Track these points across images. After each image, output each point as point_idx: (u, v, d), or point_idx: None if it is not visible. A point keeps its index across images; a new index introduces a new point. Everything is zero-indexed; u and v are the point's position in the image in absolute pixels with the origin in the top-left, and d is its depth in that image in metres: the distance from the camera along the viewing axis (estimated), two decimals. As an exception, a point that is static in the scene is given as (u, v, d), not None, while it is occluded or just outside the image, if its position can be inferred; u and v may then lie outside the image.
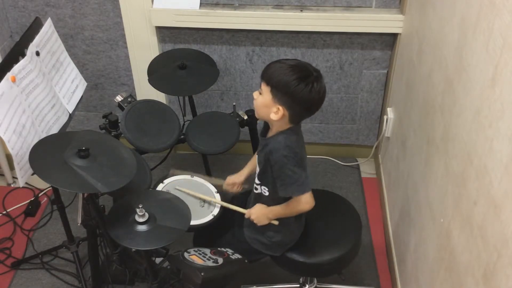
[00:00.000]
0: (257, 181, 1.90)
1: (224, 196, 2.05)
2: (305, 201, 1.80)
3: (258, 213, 1.89)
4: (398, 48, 2.54)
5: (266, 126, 1.87)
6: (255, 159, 2.03)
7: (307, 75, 1.67)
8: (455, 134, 1.59)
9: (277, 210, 1.87)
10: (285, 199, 1.84)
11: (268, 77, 1.70)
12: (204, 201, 2.01)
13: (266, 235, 1.93)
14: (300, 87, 1.65)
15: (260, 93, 1.73)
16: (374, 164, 3.01)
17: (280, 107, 1.69)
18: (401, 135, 2.39)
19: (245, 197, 2.05)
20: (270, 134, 1.82)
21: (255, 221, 1.89)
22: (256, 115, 1.80)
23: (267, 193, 1.88)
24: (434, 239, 1.76)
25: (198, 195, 2.01)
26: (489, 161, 1.31)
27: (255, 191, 1.93)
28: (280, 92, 1.67)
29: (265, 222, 1.89)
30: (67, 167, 1.68)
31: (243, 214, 1.94)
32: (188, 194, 2.01)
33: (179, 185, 2.07)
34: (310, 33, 2.60)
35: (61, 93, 2.12)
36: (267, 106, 1.71)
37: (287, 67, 1.67)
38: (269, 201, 1.89)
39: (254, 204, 1.93)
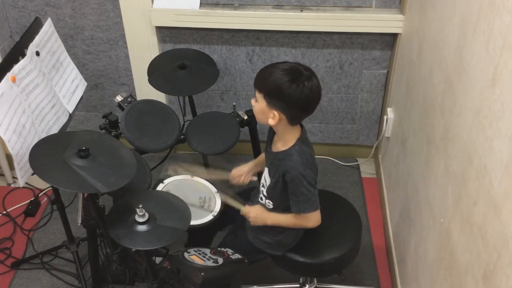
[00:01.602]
0: (264, 193, 1.90)
1: (226, 193, 2.05)
2: (314, 219, 1.83)
3: (256, 214, 1.90)
4: (398, 48, 2.54)
5: (271, 133, 1.87)
6: (261, 159, 2.03)
7: (297, 76, 1.66)
8: (455, 134, 1.59)
9: (279, 218, 1.88)
10: (288, 212, 1.85)
11: (259, 84, 1.70)
12: (204, 205, 2.01)
13: (270, 234, 1.93)
14: (292, 88, 1.64)
15: (256, 100, 1.74)
16: (374, 164, 3.01)
17: (276, 112, 1.69)
18: (401, 135, 2.39)
19: (249, 194, 2.05)
20: (278, 143, 1.82)
21: (250, 220, 1.90)
22: (258, 121, 1.81)
23: (271, 206, 1.90)
24: (434, 239, 1.76)
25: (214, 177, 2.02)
26: (489, 161, 1.31)
27: (260, 201, 1.93)
28: (274, 97, 1.68)
29: (260, 224, 1.90)
30: (67, 167, 1.68)
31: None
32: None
33: (180, 184, 2.07)
34: (310, 33, 2.60)
35: (61, 93, 2.12)
36: (264, 113, 1.72)
37: (278, 72, 1.67)
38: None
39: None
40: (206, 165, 2.70)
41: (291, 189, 1.78)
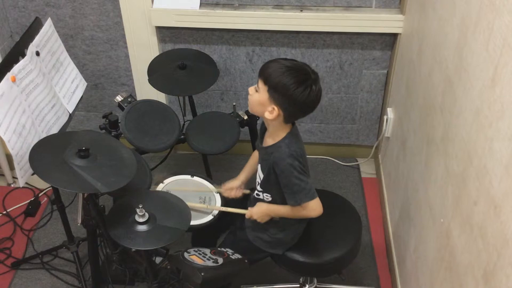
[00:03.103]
0: (259, 188, 1.90)
1: (224, 197, 2.05)
2: (312, 208, 1.81)
3: (259, 212, 1.89)
4: (398, 48, 2.54)
5: (263, 129, 1.87)
6: (251, 162, 2.03)
7: (305, 78, 1.67)
8: (455, 134, 1.59)
9: (279, 210, 1.87)
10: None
11: (266, 77, 1.69)
12: (204, 205, 2.01)
13: (269, 232, 1.93)
14: (299, 90, 1.65)
15: (257, 90, 1.73)
16: (374, 164, 3.01)
17: (276, 107, 1.69)
18: (401, 135, 2.39)
19: (245, 198, 2.05)
20: (268, 138, 1.82)
21: (258, 220, 1.90)
22: (250, 110, 1.80)
23: (269, 199, 1.89)
24: (434, 239, 1.76)
25: (196, 206, 1.99)
26: (489, 161, 1.31)
27: (256, 196, 1.93)
28: (278, 93, 1.67)
29: (267, 219, 1.89)
30: (67, 167, 1.68)
31: (244, 214, 1.94)
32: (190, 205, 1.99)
33: (180, 184, 2.07)
34: (310, 33, 2.60)
35: (61, 93, 2.12)
36: (263, 105, 1.71)
37: (286, 69, 1.67)
38: None
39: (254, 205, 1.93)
40: (206, 167, 2.69)
41: (283, 182, 1.78)
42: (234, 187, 2.02)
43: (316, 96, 1.69)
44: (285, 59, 1.74)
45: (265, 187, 1.88)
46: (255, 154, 2.03)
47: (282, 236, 1.94)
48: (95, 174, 1.68)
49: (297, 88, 1.65)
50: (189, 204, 1.92)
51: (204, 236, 2.12)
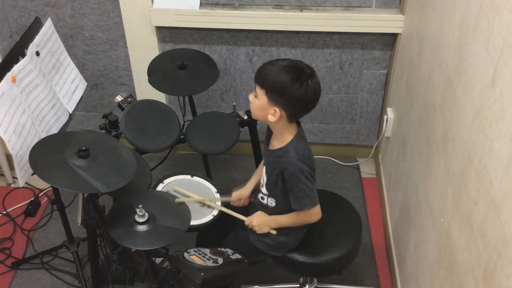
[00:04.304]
0: (264, 191, 1.89)
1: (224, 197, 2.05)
2: (313, 213, 1.82)
3: (259, 221, 1.89)
4: (398, 48, 2.54)
5: (269, 132, 1.87)
6: (260, 171, 2.01)
7: (301, 74, 1.66)
8: (455, 134, 1.59)
9: (282, 219, 1.87)
10: (291, 210, 1.84)
11: (262, 80, 1.69)
12: (204, 204, 2.00)
13: (272, 235, 1.92)
14: (295, 87, 1.65)
15: (256, 96, 1.73)
16: (374, 164, 3.01)
17: (277, 109, 1.69)
18: (401, 135, 2.39)
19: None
20: (275, 141, 1.82)
21: (255, 229, 1.89)
22: (253, 117, 1.81)
23: (273, 204, 1.89)
24: (434, 239, 1.76)
25: (197, 198, 2.00)
26: (489, 161, 1.31)
27: (261, 200, 1.92)
28: (275, 94, 1.67)
29: (266, 230, 1.89)
30: (67, 167, 1.68)
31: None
32: (187, 197, 2.00)
33: (180, 184, 2.07)
34: (310, 33, 2.60)
35: (61, 93, 2.12)
36: (264, 109, 1.71)
37: (280, 68, 1.67)
38: (274, 212, 1.90)
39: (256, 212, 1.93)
40: (206, 167, 2.69)
41: (289, 186, 1.78)
42: (243, 197, 2.02)
43: (314, 91, 1.68)
44: (278, 59, 1.74)
45: (271, 191, 1.87)
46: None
47: (284, 240, 1.93)
48: (95, 174, 1.68)
49: (293, 85, 1.65)
50: (190, 194, 1.93)
51: (210, 236, 2.11)
